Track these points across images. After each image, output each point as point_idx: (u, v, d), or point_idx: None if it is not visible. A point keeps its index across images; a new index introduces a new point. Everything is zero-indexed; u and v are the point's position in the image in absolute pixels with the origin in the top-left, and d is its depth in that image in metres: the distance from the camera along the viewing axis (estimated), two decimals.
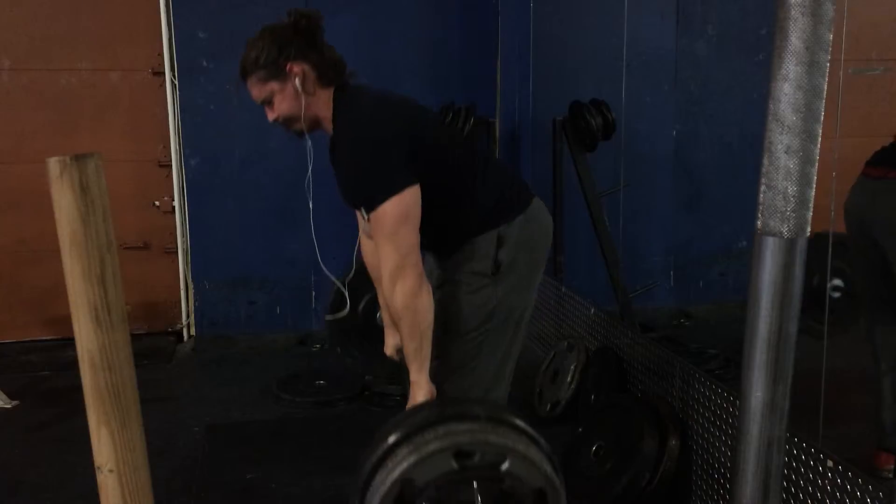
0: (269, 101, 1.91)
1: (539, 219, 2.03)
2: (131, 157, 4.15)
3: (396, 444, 1.28)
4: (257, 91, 1.91)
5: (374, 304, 2.84)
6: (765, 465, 1.23)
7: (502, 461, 1.26)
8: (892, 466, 2.49)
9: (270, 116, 1.94)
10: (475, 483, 1.27)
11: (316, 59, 1.88)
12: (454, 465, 1.24)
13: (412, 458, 1.24)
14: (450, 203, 1.92)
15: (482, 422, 1.30)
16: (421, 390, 1.86)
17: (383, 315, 2.28)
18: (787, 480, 1.89)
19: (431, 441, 1.25)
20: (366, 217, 1.86)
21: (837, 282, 2.75)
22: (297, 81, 1.86)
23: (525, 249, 1.97)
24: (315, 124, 1.95)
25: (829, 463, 1.77)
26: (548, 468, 1.28)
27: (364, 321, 2.94)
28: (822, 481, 1.79)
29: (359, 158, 1.84)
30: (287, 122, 1.93)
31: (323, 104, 1.91)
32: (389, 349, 2.27)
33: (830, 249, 2.19)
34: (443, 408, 1.44)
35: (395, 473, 1.24)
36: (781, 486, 1.27)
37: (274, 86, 1.88)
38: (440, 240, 1.96)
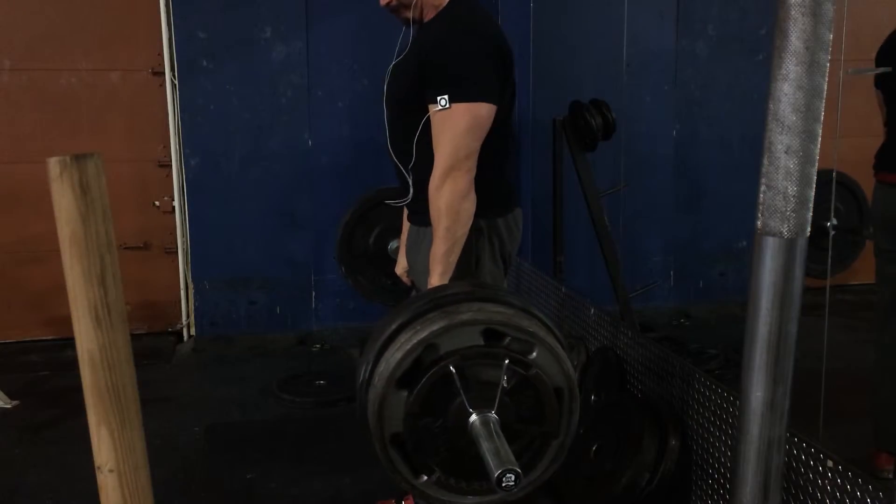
0: None
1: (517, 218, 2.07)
2: (131, 157, 4.15)
3: (427, 310, 1.27)
4: None
5: (386, 235, 2.90)
6: (765, 465, 1.23)
7: (531, 350, 1.25)
8: (892, 467, 2.49)
9: (383, 1, 1.97)
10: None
11: None
12: (482, 341, 1.23)
13: (442, 323, 1.23)
14: (496, 165, 1.94)
15: (516, 309, 1.30)
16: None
17: (402, 236, 2.29)
18: (787, 480, 1.89)
19: (465, 312, 1.25)
20: (437, 104, 1.79)
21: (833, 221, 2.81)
22: None
23: (507, 251, 2.01)
24: (422, 12, 1.96)
25: (829, 463, 1.77)
26: (569, 367, 1.28)
27: (375, 250, 2.96)
28: (822, 481, 1.79)
29: (462, 43, 1.82)
30: (400, 7, 1.96)
31: None
32: (400, 268, 2.29)
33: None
34: (478, 288, 1.44)
35: (423, 334, 1.23)
36: (781, 486, 1.27)
37: None
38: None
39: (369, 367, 1.29)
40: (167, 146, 4.14)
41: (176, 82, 4.08)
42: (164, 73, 4.05)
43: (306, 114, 4.21)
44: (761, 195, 1.16)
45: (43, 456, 2.91)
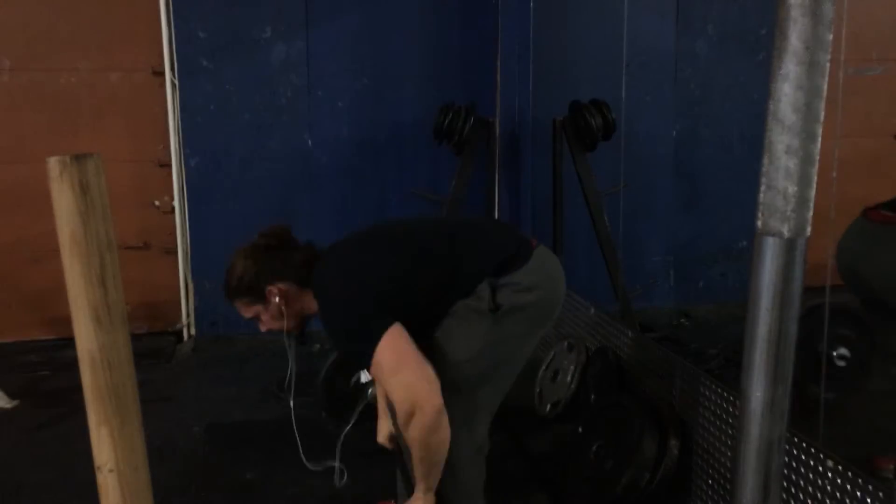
0: (258, 318, 2.01)
1: (547, 268, 1.99)
2: (131, 156, 4.15)
3: None
4: (245, 312, 2.02)
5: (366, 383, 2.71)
6: (765, 465, 1.23)
7: None
8: (893, 467, 2.49)
9: (263, 329, 2.04)
10: None
11: (293, 272, 1.96)
12: None
13: None
14: (440, 300, 1.93)
15: None
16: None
17: (379, 401, 2.29)
18: (787, 480, 1.89)
19: None
20: (366, 377, 1.88)
21: (843, 350, 2.75)
22: (279, 300, 1.96)
23: (531, 297, 1.92)
24: (306, 318, 2.03)
25: (829, 463, 1.77)
26: None
27: (357, 394, 2.84)
28: (822, 481, 1.79)
29: (336, 326, 1.88)
30: (280, 330, 2.01)
31: (308, 300, 1.98)
32: (382, 437, 2.27)
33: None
34: None
35: None
36: (781, 486, 1.27)
37: (259, 308, 1.99)
38: (438, 311, 1.95)
39: None
40: (167, 146, 4.14)
41: (176, 82, 4.07)
42: (164, 73, 4.05)
43: (306, 114, 4.21)
44: (761, 195, 1.16)
45: (43, 456, 2.91)
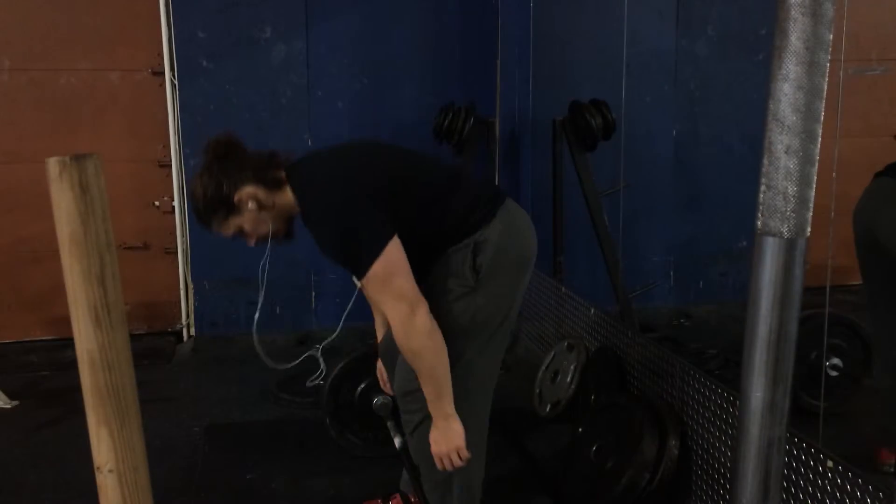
0: (241, 233, 1.98)
1: (515, 219, 2.01)
2: (131, 157, 4.15)
3: None
4: (225, 230, 1.99)
5: (371, 391, 2.65)
6: (765, 465, 1.23)
7: None
8: (894, 461, 2.49)
9: (250, 243, 2.01)
10: None
11: (253, 174, 1.93)
12: None
13: None
14: (419, 226, 1.92)
15: None
16: (455, 423, 1.87)
17: (378, 336, 2.31)
18: (787, 480, 1.89)
19: None
20: (357, 284, 1.87)
21: (836, 360, 2.76)
22: (252, 205, 1.92)
23: (505, 251, 1.95)
24: (290, 219, 2.00)
25: (829, 463, 1.77)
26: None
27: (362, 407, 2.77)
28: (822, 481, 1.79)
29: (330, 231, 1.85)
30: (268, 238, 1.98)
31: (286, 200, 1.95)
32: (384, 380, 2.31)
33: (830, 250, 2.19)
34: None
35: None
36: (781, 486, 1.27)
37: (236, 220, 1.96)
38: (416, 259, 1.93)
39: None
40: (167, 146, 4.14)
41: (176, 82, 4.07)
42: (164, 73, 4.05)
43: (306, 114, 4.21)
44: (761, 195, 1.16)
45: (43, 456, 2.91)
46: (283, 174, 1.96)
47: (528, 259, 2.03)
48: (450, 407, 1.86)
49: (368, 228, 1.80)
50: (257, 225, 1.95)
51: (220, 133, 2.00)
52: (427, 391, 1.87)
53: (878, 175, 2.47)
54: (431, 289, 1.94)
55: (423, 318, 1.79)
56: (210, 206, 1.94)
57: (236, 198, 1.92)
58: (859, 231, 2.48)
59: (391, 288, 1.79)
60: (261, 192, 1.93)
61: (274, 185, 1.94)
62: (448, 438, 1.87)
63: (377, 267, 1.78)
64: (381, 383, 2.37)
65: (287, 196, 1.95)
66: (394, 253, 1.79)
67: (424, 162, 2.07)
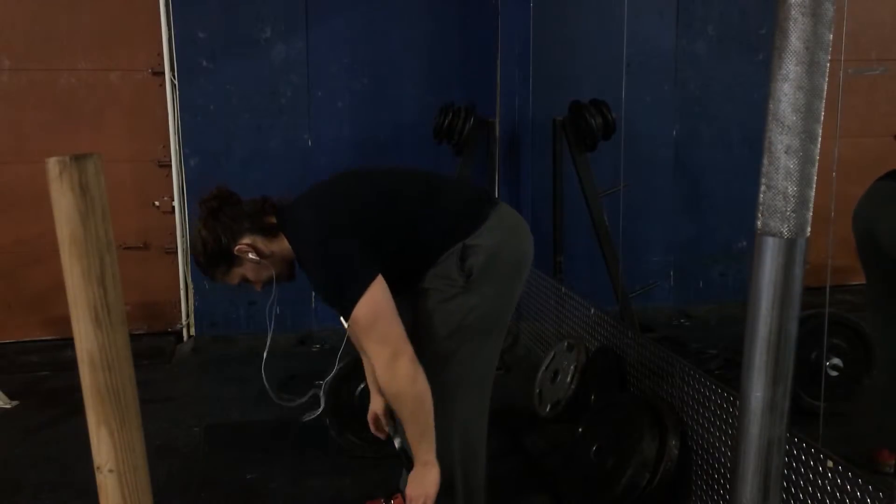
0: (245, 280, 2.01)
1: (508, 222, 2.01)
2: (131, 157, 4.15)
3: None
4: (230, 280, 2.01)
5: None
6: (765, 465, 1.23)
7: None
8: (894, 462, 2.49)
9: (257, 289, 2.03)
10: None
11: (250, 224, 1.96)
12: None
13: None
14: (406, 243, 1.93)
15: None
16: (433, 471, 1.87)
17: (368, 382, 2.29)
18: (787, 480, 1.89)
19: None
20: (345, 325, 1.87)
21: (836, 360, 2.76)
22: (252, 255, 1.94)
23: (497, 254, 1.94)
24: (291, 262, 2.01)
25: (829, 463, 1.77)
26: None
27: (361, 407, 2.82)
28: (822, 481, 1.79)
29: (317, 275, 1.88)
30: (273, 282, 2.00)
31: (283, 246, 1.97)
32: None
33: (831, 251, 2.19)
34: None
35: None
36: (781, 486, 1.27)
37: (238, 270, 1.98)
38: (406, 277, 1.94)
39: None
40: (167, 146, 4.14)
41: (176, 82, 4.07)
42: (164, 73, 4.05)
43: (306, 114, 4.21)
44: (761, 195, 1.16)
45: (43, 456, 2.91)
46: (275, 222, 1.99)
47: (522, 262, 2.03)
48: (430, 454, 1.87)
49: (352, 271, 1.81)
50: (259, 272, 1.99)
51: (211, 188, 2.06)
52: (409, 433, 1.87)
53: (877, 180, 2.48)
54: (425, 292, 1.94)
55: (405, 364, 1.78)
56: (212, 261, 1.98)
57: (236, 250, 1.95)
58: (859, 232, 2.49)
59: (375, 331, 1.80)
60: (259, 241, 1.97)
61: (270, 233, 1.98)
62: (423, 485, 1.88)
63: (362, 309, 1.79)
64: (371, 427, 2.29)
65: (283, 242, 1.98)
66: (378, 295, 1.80)
67: (404, 178, 2.07)
